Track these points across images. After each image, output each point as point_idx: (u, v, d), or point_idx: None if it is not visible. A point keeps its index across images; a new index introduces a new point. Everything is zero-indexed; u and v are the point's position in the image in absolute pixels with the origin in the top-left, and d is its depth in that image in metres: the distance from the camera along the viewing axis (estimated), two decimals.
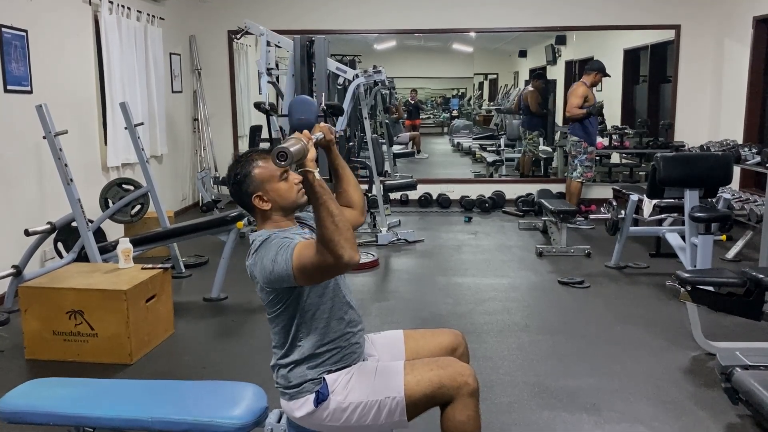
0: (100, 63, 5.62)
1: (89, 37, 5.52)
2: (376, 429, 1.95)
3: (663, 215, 5.32)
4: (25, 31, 4.54)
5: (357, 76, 5.80)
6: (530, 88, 9.29)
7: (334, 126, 5.61)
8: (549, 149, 8.75)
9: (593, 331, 3.79)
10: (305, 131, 1.79)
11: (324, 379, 1.91)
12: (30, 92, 4.58)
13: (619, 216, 5.01)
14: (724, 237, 4.78)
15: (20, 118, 4.42)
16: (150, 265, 3.70)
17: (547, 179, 8.31)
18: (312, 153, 1.74)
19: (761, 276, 3.05)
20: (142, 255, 4.72)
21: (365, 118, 6.29)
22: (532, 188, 7.75)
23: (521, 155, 9.08)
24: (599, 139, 7.76)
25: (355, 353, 1.98)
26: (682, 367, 3.26)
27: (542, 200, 6.06)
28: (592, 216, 5.59)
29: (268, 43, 5.62)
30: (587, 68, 6.81)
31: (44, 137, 3.94)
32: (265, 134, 7.59)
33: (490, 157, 9.69)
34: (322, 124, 2.01)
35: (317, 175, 1.69)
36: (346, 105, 5.71)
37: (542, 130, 9.09)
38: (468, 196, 7.75)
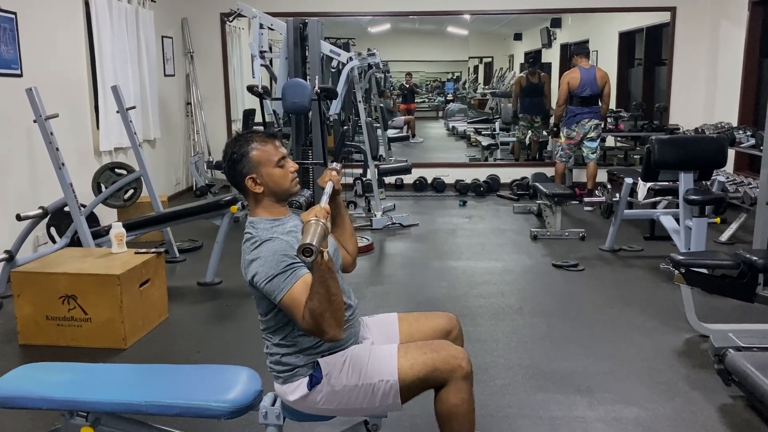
0: (91, 46, 5.56)
1: (80, 19, 5.45)
2: (370, 412, 1.95)
3: (657, 198, 5.34)
4: (14, 13, 4.48)
5: (351, 59, 5.75)
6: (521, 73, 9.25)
7: (329, 110, 5.57)
8: (543, 133, 8.73)
9: (587, 314, 3.80)
10: (319, 208, 1.68)
11: (317, 362, 1.90)
12: (20, 76, 4.53)
13: (614, 199, 5.01)
14: (718, 220, 4.80)
15: (10, 102, 4.38)
16: (143, 250, 3.69)
17: (542, 163, 8.30)
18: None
19: (755, 258, 3.06)
20: (136, 240, 4.71)
21: (359, 102, 6.25)
22: (527, 172, 7.73)
23: (521, 141, 9.00)
24: None
25: (349, 337, 1.97)
26: (675, 349, 3.27)
27: (537, 184, 6.06)
28: (586, 199, 5.59)
29: (261, 26, 5.57)
30: (585, 52, 6.78)
31: (35, 121, 3.90)
32: (258, 118, 7.56)
33: (485, 141, 9.67)
34: (334, 172, 1.97)
35: (326, 256, 1.65)
36: (340, 88, 5.67)
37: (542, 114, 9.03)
38: (463, 180, 7.74)
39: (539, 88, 8.49)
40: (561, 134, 6.77)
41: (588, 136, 6.61)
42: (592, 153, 6.66)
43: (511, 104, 9.67)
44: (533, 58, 8.89)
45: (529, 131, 8.69)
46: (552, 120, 7.42)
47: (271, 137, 1.98)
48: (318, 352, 1.91)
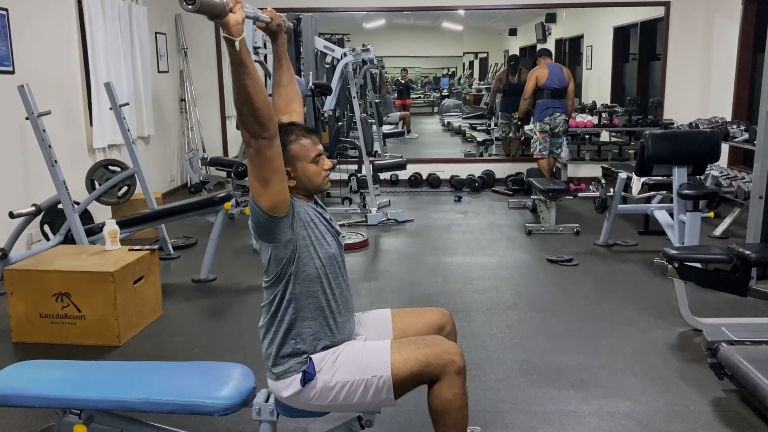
0: (84, 42, 5.53)
1: (72, 15, 5.42)
2: (363, 407, 1.95)
3: (651, 193, 5.34)
4: (6, 9, 4.46)
5: (345, 54, 5.75)
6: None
7: (323, 105, 5.57)
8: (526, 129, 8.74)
9: (581, 309, 3.80)
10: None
11: (310, 358, 1.90)
12: (12, 73, 4.51)
13: (608, 194, 5.02)
14: (711, 214, 4.81)
15: (2, 99, 4.36)
16: (137, 247, 3.68)
17: None
18: (234, 17, 1.58)
19: (748, 252, 3.07)
20: (130, 237, 4.70)
21: (354, 98, 6.25)
22: (522, 167, 7.74)
23: (504, 138, 9.00)
24: (589, 117, 7.74)
25: (343, 332, 1.97)
26: (669, 343, 3.29)
27: (531, 179, 6.06)
28: (581, 194, 5.60)
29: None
30: (548, 53, 6.97)
31: (27, 118, 3.89)
32: None
33: (480, 137, 9.66)
34: (270, 8, 2.00)
35: (237, 46, 1.59)
36: (335, 84, 5.67)
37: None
38: (458, 176, 7.74)
39: (518, 87, 8.50)
40: (534, 129, 6.72)
41: (556, 131, 6.63)
42: (557, 149, 6.70)
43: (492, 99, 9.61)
44: (514, 61, 8.93)
45: (511, 129, 8.71)
46: (518, 114, 7.35)
47: (311, 132, 1.95)
48: (311, 347, 1.91)
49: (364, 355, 1.91)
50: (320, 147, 1.95)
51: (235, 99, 1.68)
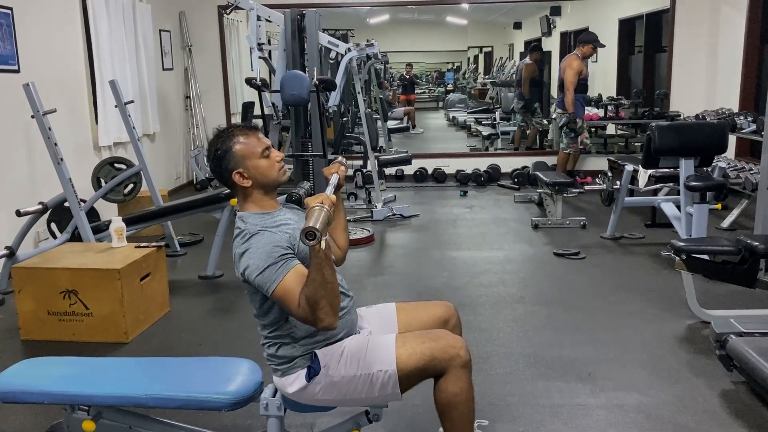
0: (89, 41, 5.54)
1: (76, 14, 5.43)
2: (370, 402, 1.95)
3: (658, 185, 5.31)
4: (11, 8, 4.47)
5: (349, 50, 5.74)
6: (527, 60, 9.11)
7: (328, 101, 5.56)
8: (545, 122, 8.70)
9: (589, 302, 3.79)
10: (326, 196, 1.73)
11: (315, 354, 1.90)
12: (17, 71, 4.52)
13: (615, 187, 5.00)
14: (719, 206, 4.77)
15: (8, 98, 4.37)
16: (144, 244, 3.69)
17: (543, 152, 8.28)
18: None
19: (756, 244, 3.05)
20: (137, 234, 4.71)
21: (359, 93, 6.24)
22: (528, 161, 7.72)
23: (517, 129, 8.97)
24: (595, 110, 7.72)
25: (344, 327, 1.96)
26: (677, 336, 3.27)
27: (538, 172, 6.04)
28: (587, 187, 5.58)
29: (259, 18, 5.54)
30: (579, 40, 6.77)
31: (33, 116, 3.90)
32: (257, 111, 7.53)
33: (486, 131, 9.64)
34: (339, 165, 2.01)
35: (323, 244, 1.65)
36: (339, 79, 5.66)
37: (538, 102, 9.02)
38: (463, 170, 7.72)
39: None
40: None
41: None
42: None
43: (516, 94, 9.46)
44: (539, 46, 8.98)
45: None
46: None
47: (253, 129, 1.97)
48: (314, 342, 1.91)
49: (369, 350, 1.91)
50: (266, 141, 1.95)
51: (315, 291, 1.71)
